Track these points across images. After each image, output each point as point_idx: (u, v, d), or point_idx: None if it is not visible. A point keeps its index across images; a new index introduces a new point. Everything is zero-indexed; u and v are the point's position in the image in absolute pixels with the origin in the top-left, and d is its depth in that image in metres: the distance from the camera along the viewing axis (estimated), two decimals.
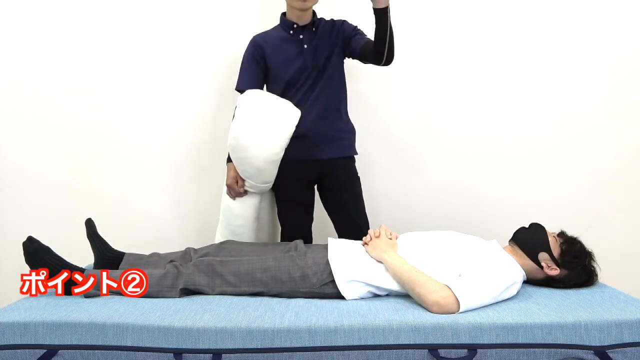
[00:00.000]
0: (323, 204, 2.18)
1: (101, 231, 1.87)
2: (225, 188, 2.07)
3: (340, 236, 2.09)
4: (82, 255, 1.88)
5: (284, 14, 2.08)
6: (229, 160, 2.03)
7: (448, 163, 2.45)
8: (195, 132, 2.44)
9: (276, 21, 2.10)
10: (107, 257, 1.84)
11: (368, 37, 2.03)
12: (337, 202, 2.14)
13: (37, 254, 1.64)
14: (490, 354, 1.42)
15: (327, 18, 2.11)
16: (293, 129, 1.95)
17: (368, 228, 2.13)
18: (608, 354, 1.43)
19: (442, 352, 1.41)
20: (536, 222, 1.84)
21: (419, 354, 1.42)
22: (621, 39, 2.39)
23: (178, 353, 1.41)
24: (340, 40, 2.06)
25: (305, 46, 2.02)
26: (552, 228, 1.82)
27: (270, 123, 1.92)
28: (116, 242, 1.91)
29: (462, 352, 1.42)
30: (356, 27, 2.08)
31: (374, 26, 1.85)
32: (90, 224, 1.85)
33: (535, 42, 2.39)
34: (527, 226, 1.85)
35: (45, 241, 1.68)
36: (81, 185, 2.44)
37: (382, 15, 1.81)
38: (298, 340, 1.41)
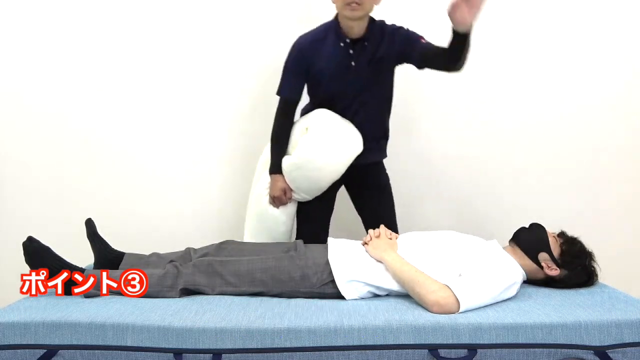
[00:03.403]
0: (354, 204, 2.19)
1: (101, 231, 1.87)
2: (259, 198, 2.06)
3: None
4: (82, 255, 1.88)
5: (336, 17, 1.93)
6: (275, 172, 2.01)
7: (449, 163, 2.45)
8: (195, 133, 2.44)
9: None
10: (107, 257, 1.84)
11: (426, 41, 1.90)
12: (367, 202, 2.15)
13: (37, 254, 1.64)
14: (490, 354, 1.42)
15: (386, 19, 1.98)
16: (360, 151, 1.97)
17: (397, 226, 2.14)
18: (608, 354, 1.43)
19: (442, 352, 1.41)
20: (536, 222, 1.84)
21: (419, 354, 1.42)
22: (625, 37, 2.38)
23: (178, 353, 1.41)
24: (394, 53, 1.94)
25: (353, 64, 1.93)
26: (552, 228, 1.82)
27: (342, 146, 1.94)
28: (116, 242, 1.91)
29: (462, 352, 1.42)
30: (413, 33, 1.93)
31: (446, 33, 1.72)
32: (90, 224, 1.85)
33: (538, 41, 2.39)
34: (527, 226, 1.84)
35: (45, 241, 1.68)
36: (81, 185, 2.44)
37: (461, 37, 1.68)
38: (298, 340, 1.41)
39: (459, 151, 2.44)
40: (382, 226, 1.83)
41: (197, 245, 1.95)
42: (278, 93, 2.02)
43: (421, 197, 2.45)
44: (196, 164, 2.45)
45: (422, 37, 1.93)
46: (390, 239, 1.78)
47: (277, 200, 2.03)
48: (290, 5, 2.37)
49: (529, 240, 1.76)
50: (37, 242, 1.66)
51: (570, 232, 1.80)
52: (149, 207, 2.47)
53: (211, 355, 1.41)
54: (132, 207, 2.46)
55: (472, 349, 1.42)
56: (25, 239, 1.66)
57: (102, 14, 2.38)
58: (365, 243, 1.78)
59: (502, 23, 2.38)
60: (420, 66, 1.94)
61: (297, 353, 1.41)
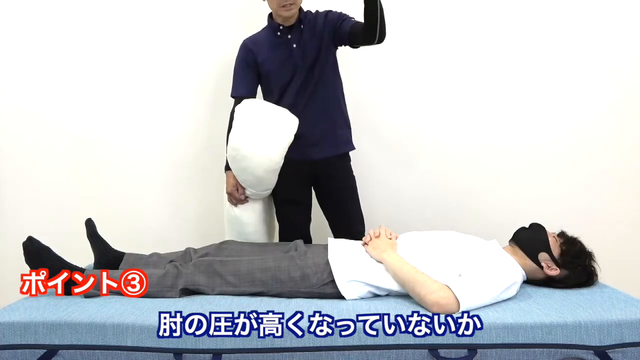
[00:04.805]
0: (319, 203, 2.19)
1: (101, 231, 1.87)
2: (226, 199, 2.06)
3: (336, 235, 2.10)
4: (82, 255, 1.88)
5: (270, 15, 2.05)
6: (228, 168, 2.02)
7: (448, 163, 2.45)
8: (194, 134, 2.44)
9: (265, 22, 2.08)
10: (107, 257, 1.84)
11: (355, 19, 2.00)
12: (332, 201, 2.14)
13: (37, 254, 1.64)
14: (490, 354, 1.42)
15: (314, 10, 2.07)
16: (292, 137, 1.93)
17: (364, 227, 2.14)
18: (608, 354, 1.43)
19: (442, 352, 1.41)
20: (536, 222, 1.84)
21: (419, 354, 1.42)
22: (628, 43, 2.38)
23: (178, 353, 1.41)
24: (327, 32, 2.01)
25: (295, 46, 2.01)
26: (552, 228, 1.82)
27: (269, 132, 1.90)
28: (116, 242, 1.91)
29: (462, 352, 1.42)
30: (341, 13, 2.03)
31: (362, 5, 1.78)
32: (90, 224, 1.85)
33: (537, 43, 2.39)
34: (527, 226, 1.85)
35: (45, 241, 1.68)
36: (81, 185, 2.44)
37: (371, 1, 1.74)
38: (298, 340, 1.41)
39: (459, 151, 2.43)
40: (382, 226, 1.83)
41: (197, 245, 1.95)
42: (231, 95, 2.08)
43: (421, 197, 2.45)
44: (197, 164, 2.45)
45: (352, 17, 2.01)
46: (390, 239, 1.78)
47: (232, 197, 2.03)
48: None
49: (529, 240, 1.76)
50: (37, 242, 1.66)
51: (571, 233, 1.80)
52: (149, 208, 2.47)
53: (211, 355, 1.41)
54: (133, 207, 2.46)
55: (472, 349, 1.42)
56: (25, 239, 1.66)
57: (102, 18, 2.38)
58: (365, 243, 1.78)
59: (505, 25, 2.38)
60: (352, 43, 2.00)
61: (297, 353, 1.41)
